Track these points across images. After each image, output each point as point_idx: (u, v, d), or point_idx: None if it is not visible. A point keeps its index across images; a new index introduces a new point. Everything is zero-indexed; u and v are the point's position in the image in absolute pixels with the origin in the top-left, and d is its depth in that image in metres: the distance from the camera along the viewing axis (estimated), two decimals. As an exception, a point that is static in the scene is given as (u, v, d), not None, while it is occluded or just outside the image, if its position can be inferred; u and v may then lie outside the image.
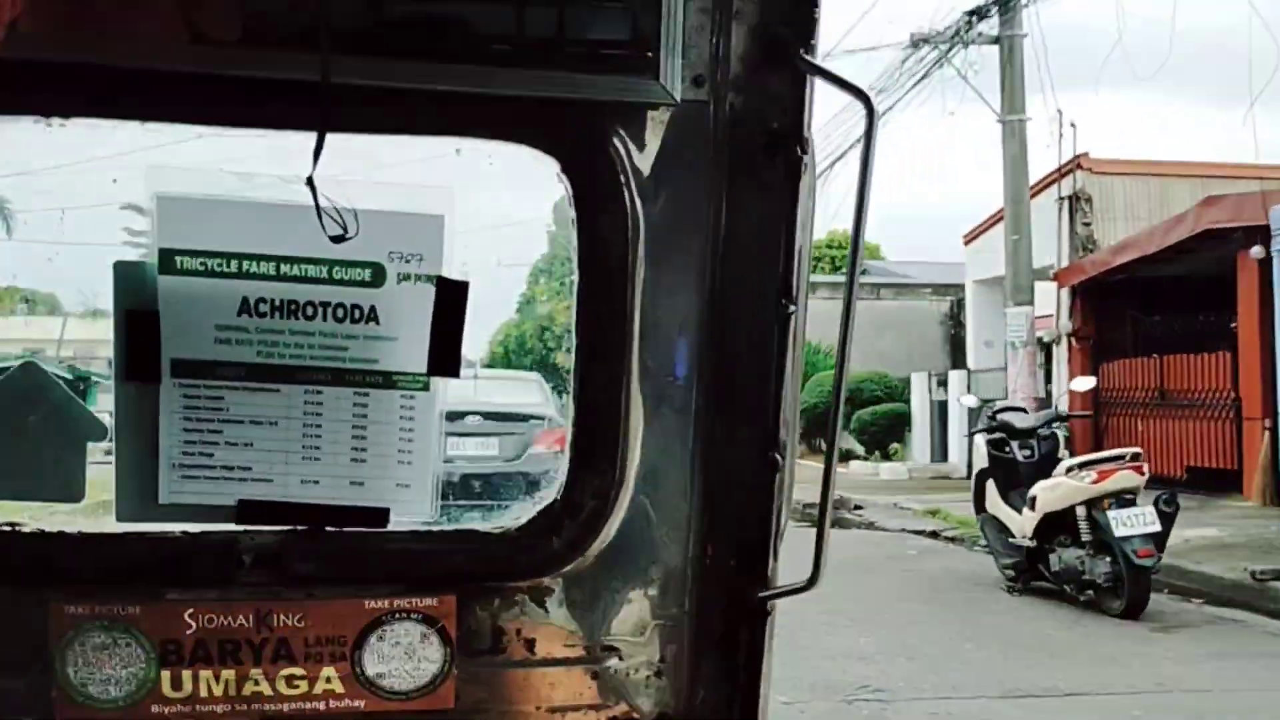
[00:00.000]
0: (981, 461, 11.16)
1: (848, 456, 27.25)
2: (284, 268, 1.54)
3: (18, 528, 1.57)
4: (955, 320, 33.25)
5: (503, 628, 1.75)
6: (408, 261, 1.57)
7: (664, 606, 1.77)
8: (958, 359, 31.28)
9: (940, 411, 25.95)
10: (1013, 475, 10.46)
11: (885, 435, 27.41)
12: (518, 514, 1.74)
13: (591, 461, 1.69)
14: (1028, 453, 10.57)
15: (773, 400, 1.64)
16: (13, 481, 1.60)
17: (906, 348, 31.98)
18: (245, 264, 1.53)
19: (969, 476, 19.89)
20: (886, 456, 26.65)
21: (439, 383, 1.63)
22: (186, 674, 1.67)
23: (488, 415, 8.96)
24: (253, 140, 1.50)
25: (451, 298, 1.58)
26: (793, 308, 1.61)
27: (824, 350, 29.25)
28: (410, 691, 1.74)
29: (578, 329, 1.66)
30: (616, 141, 1.61)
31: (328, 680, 1.71)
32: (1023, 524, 9.88)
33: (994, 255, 22.02)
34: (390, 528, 1.67)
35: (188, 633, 1.65)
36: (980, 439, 11.19)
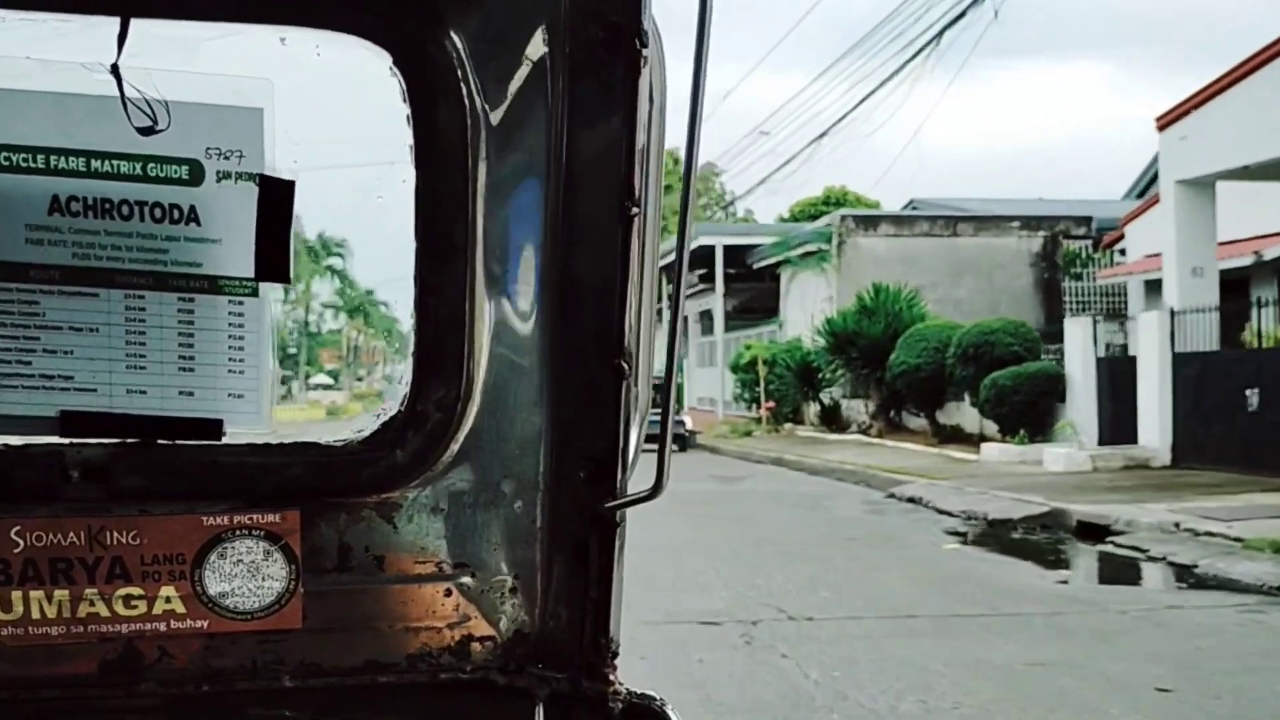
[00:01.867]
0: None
1: (978, 438, 21.61)
2: (95, 163, 1.47)
3: None
4: (1048, 262, 28.88)
5: (349, 545, 1.70)
6: (227, 159, 1.50)
7: (516, 521, 1.72)
8: (1052, 309, 27.15)
9: (1109, 372, 19.20)
10: None
11: (1031, 408, 20.09)
12: (360, 426, 1.68)
13: (436, 371, 1.64)
14: None
15: (617, 305, 1.58)
16: None
17: (989, 295, 27.97)
18: (54, 159, 1.46)
19: (1174, 464, 16.54)
20: (1034, 436, 19.79)
21: (269, 288, 1.57)
22: (16, 595, 1.61)
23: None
24: (56, 25, 1.42)
25: (276, 197, 1.51)
26: (635, 210, 1.55)
27: (909, 293, 26.43)
28: (255, 611, 1.69)
29: (417, 233, 1.60)
30: (454, 34, 1.54)
31: (167, 600, 1.66)
32: None
33: (1214, 140, 16.76)
34: (225, 440, 1.62)
35: (15, 551, 1.59)
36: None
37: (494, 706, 1.77)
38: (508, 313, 1.64)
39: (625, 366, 1.59)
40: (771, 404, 31.01)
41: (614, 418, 1.61)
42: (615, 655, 1.72)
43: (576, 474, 1.67)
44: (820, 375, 29.14)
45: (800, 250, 31.98)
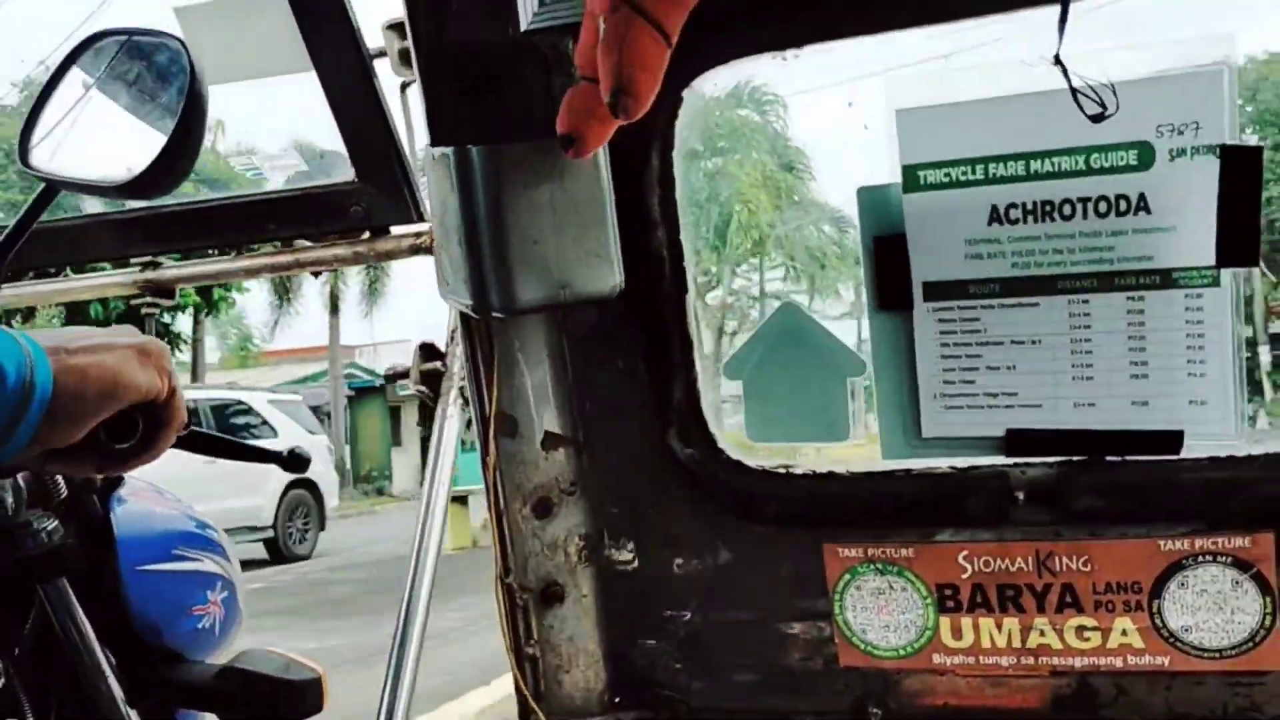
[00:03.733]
0: None
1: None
2: (1034, 165, 1.39)
3: (790, 469, 1.59)
4: None
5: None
6: (1180, 133, 1.33)
7: None
8: None
9: None
10: None
11: None
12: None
13: None
14: None
15: None
16: (780, 423, 1.63)
17: None
18: (992, 168, 1.40)
19: None
20: None
21: (1231, 275, 1.37)
22: (966, 622, 1.57)
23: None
24: (983, 28, 1.37)
25: (1242, 168, 1.31)
26: None
27: None
28: (1223, 649, 1.48)
29: None
30: None
31: (1123, 633, 1.51)
32: None
33: None
34: (1184, 454, 1.44)
35: (963, 576, 1.56)
36: None
37: None
38: None
39: None
40: None
41: None
42: None
43: None
44: None
45: None
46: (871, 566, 1.58)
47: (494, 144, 1.26)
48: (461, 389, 1.79)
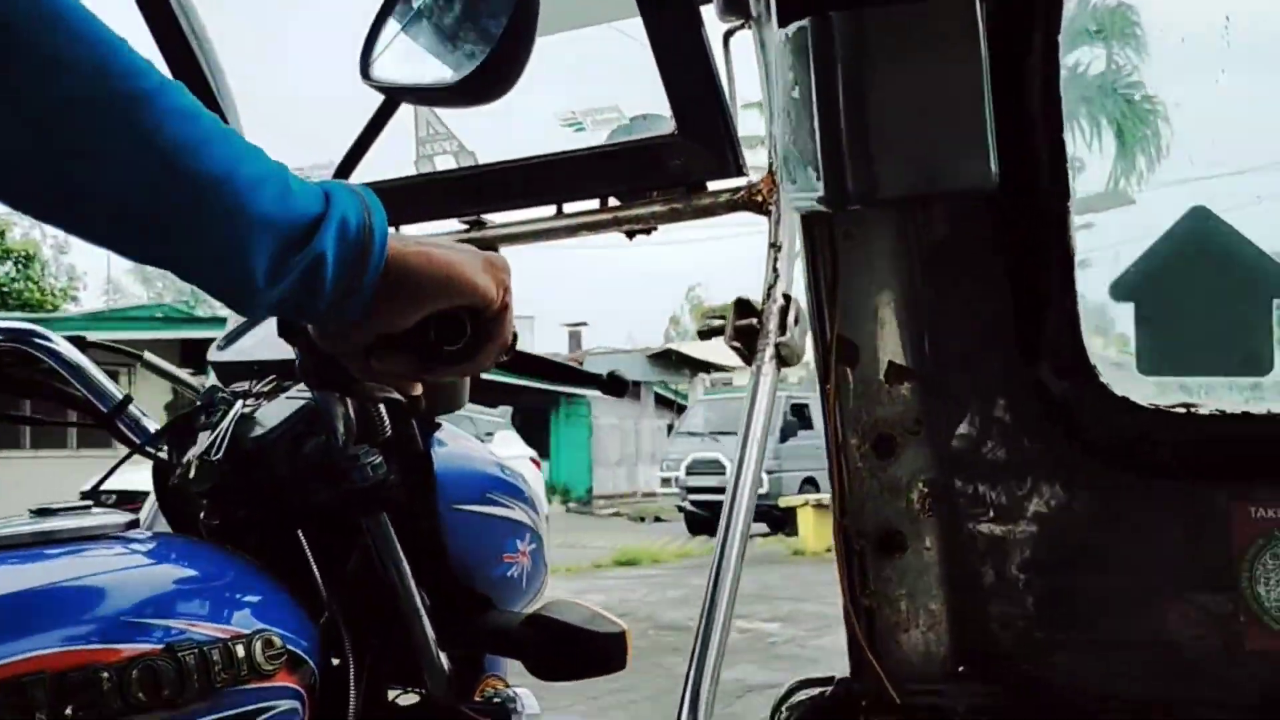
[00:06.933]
0: None
1: None
2: None
3: (1193, 409, 1.34)
4: None
5: None
6: None
7: None
8: None
9: None
10: None
11: None
12: None
13: None
14: None
15: None
16: (1186, 354, 1.37)
17: None
18: None
19: None
20: None
21: None
22: None
23: None
24: None
25: None
26: None
27: None
28: None
29: None
30: None
31: None
32: None
33: None
34: None
35: None
36: None
37: None
38: None
39: None
40: None
41: None
42: None
43: None
44: None
45: None
46: (1293, 532, 1.30)
47: (856, 7, 1.14)
48: (778, 346, 1.66)
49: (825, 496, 14.17)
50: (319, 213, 0.82)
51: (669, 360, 23.38)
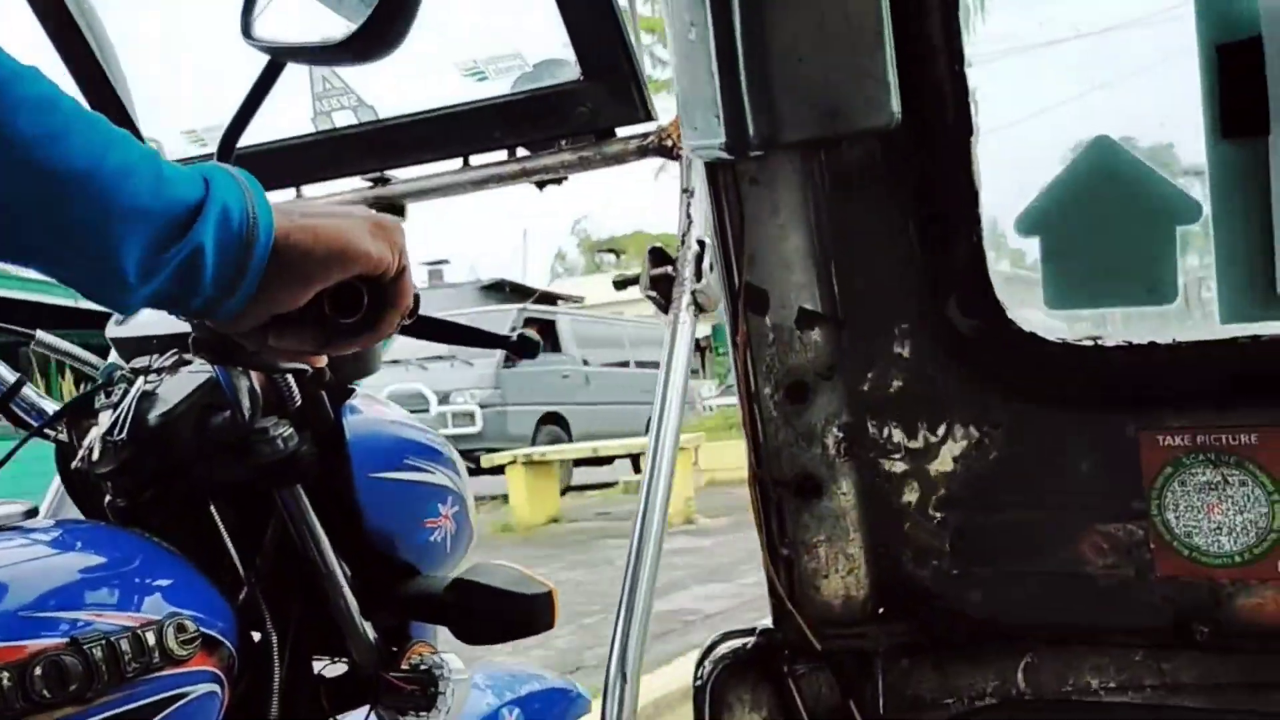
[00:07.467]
0: None
1: None
2: None
3: (1099, 341, 1.35)
4: None
5: None
6: None
7: None
8: None
9: None
10: None
11: None
12: None
13: None
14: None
15: None
16: (1087, 284, 1.38)
17: None
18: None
19: None
20: None
21: None
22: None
23: None
24: None
25: None
26: None
27: None
28: None
29: None
30: None
31: None
32: None
33: None
34: None
35: (1322, 468, 1.28)
36: None
37: None
38: None
39: None
40: None
41: None
42: None
43: None
44: None
45: None
46: (1201, 457, 1.32)
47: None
48: (694, 294, 1.64)
49: (539, 450, 11.29)
50: (196, 200, 0.78)
51: (503, 292, 22.73)
